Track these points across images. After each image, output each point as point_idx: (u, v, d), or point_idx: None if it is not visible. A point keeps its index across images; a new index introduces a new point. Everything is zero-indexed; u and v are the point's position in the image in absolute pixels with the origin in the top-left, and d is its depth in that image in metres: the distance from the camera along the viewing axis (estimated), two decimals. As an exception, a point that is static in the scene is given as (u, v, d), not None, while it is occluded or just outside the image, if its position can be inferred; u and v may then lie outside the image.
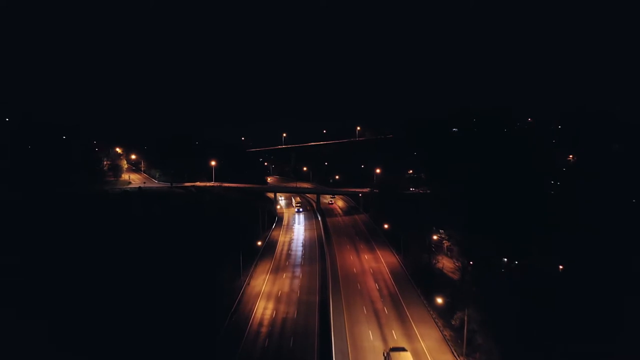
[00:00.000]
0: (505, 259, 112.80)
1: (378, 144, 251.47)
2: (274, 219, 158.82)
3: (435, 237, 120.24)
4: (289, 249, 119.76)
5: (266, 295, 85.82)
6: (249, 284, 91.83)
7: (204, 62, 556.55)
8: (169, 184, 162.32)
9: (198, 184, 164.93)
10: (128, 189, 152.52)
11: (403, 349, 60.80)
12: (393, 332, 69.37)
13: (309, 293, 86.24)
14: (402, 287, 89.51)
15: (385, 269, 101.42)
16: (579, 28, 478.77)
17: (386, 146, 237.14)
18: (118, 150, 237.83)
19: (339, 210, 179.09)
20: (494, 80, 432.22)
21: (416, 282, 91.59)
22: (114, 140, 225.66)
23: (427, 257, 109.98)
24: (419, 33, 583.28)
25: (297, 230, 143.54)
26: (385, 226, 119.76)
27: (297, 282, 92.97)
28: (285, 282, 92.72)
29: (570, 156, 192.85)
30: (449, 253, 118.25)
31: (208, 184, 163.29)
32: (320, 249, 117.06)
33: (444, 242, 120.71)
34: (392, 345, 63.24)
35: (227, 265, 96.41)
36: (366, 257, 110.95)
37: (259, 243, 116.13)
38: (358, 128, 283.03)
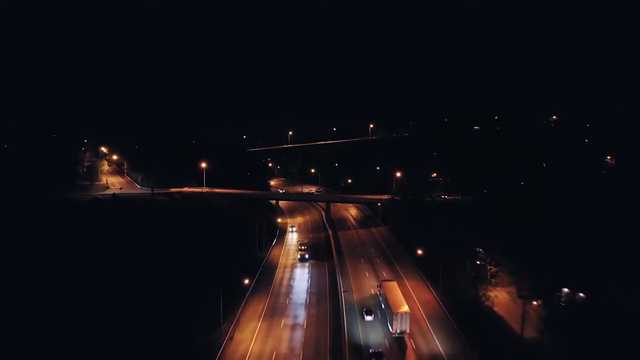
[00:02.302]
0: (566, 289, 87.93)
1: (393, 143, 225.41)
2: (275, 231, 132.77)
3: (478, 262, 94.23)
4: (291, 277, 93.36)
5: (254, 360, 59.59)
6: (232, 337, 65.54)
7: (203, 62, 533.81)
8: (150, 190, 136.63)
9: (186, 189, 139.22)
10: (100, 197, 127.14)
11: (391, 280, 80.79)
12: None
13: (317, 356, 59.88)
14: (449, 345, 62.96)
15: (421, 313, 74.70)
16: (582, 28, 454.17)
17: (402, 146, 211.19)
18: (104, 149, 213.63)
19: (352, 220, 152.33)
20: (513, 78, 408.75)
21: (468, 338, 64.91)
22: (112, 140, 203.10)
23: (473, 291, 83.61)
24: (426, 30, 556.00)
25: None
26: (419, 252, 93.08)
27: (299, 334, 66.55)
28: (284, 335, 66.31)
29: (608, 157, 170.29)
30: (493, 281, 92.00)
31: (197, 189, 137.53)
32: (331, 278, 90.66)
33: (488, 267, 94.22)
34: None
35: (210, 300, 70.61)
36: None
37: (249, 279, 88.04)
38: (371, 126, 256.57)
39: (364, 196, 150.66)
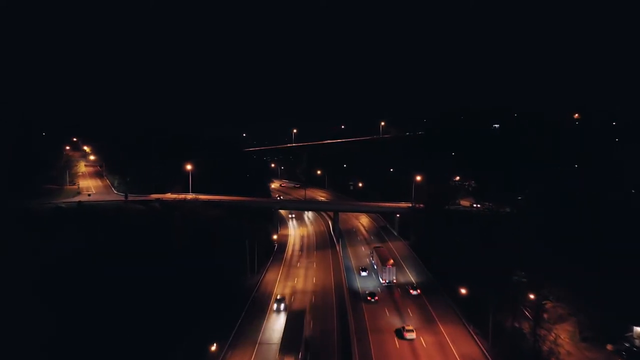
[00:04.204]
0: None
1: (406, 142, 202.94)
2: (271, 248, 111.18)
3: (532, 296, 73.09)
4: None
5: None
6: None
7: (202, 61, 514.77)
8: (123, 196, 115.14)
9: (169, 195, 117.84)
10: (64, 205, 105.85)
11: (381, 246, 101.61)
12: None
13: None
14: None
15: (469, 382, 52.73)
16: (582, 28, 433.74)
17: (417, 145, 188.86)
18: (87, 149, 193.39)
19: (363, 232, 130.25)
20: (525, 76, 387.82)
21: None
22: (103, 138, 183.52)
23: (532, 340, 62.04)
24: (437, 26, 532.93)
25: (305, 270, 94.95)
26: (463, 291, 70.36)
27: None
28: None
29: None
30: (545, 316, 70.25)
31: (181, 195, 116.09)
32: (340, 318, 68.55)
33: (543, 302, 72.66)
34: None
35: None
36: (423, 342, 62.01)
37: (225, 330, 65.79)
38: (382, 124, 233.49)
39: (379, 204, 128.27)
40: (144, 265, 73.96)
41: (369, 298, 76.00)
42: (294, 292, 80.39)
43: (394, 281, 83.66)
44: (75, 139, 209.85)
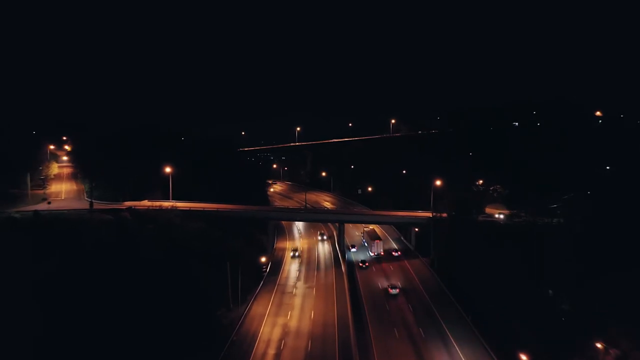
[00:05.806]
0: None
1: (419, 141, 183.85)
2: (264, 266, 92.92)
3: (600, 345, 56.13)
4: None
5: None
6: None
7: (201, 58, 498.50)
8: (88, 205, 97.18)
9: (145, 202, 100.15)
10: (17, 216, 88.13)
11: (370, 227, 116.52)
12: None
13: None
14: None
15: None
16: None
17: (430, 144, 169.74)
18: (68, 147, 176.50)
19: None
20: (548, 70, 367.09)
21: None
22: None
23: None
24: (447, 21, 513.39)
25: (302, 300, 76.46)
26: (524, 358, 50.96)
27: None
28: None
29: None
30: None
31: (156, 203, 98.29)
32: None
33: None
34: None
35: None
36: None
37: None
38: (392, 121, 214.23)
39: (393, 213, 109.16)
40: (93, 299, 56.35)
41: (360, 264, 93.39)
42: (284, 335, 61.67)
43: (382, 253, 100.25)
44: (64, 138, 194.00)
